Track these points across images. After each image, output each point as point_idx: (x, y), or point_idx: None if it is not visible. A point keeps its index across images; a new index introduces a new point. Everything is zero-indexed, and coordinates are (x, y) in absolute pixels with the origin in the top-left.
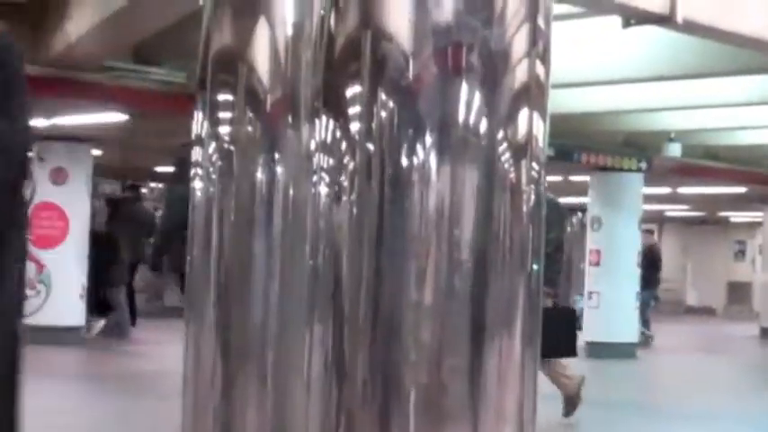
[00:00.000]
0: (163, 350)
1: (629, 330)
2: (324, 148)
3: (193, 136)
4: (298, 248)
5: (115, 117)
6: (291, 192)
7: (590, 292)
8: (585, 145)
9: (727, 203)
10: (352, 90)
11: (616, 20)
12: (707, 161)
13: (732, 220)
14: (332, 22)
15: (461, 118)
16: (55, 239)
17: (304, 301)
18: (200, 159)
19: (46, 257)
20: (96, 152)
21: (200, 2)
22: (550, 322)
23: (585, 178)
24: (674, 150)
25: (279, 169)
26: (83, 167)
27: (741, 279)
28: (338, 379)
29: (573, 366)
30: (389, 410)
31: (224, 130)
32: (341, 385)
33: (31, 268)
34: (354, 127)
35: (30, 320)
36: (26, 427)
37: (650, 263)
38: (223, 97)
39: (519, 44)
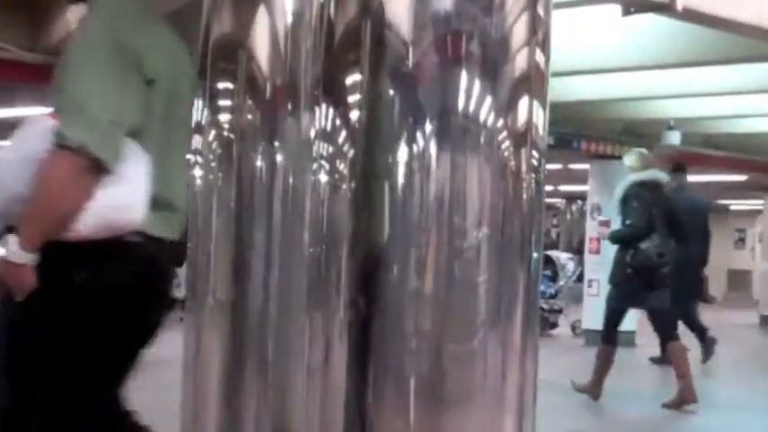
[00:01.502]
0: (162, 338)
1: (628, 318)
2: (323, 135)
3: (193, 124)
4: (297, 236)
5: None
6: (291, 180)
7: (590, 280)
8: (585, 133)
9: (726, 191)
10: (352, 78)
11: (616, 8)
12: (707, 149)
13: (732, 208)
14: (331, 9)
15: (461, 106)
16: None
17: (304, 289)
18: (199, 147)
19: None
20: None
21: None
22: None
23: (585, 166)
24: (674, 138)
25: (279, 157)
26: None
27: (741, 267)
28: (338, 369)
29: (570, 353)
30: (390, 399)
31: (224, 117)
32: (341, 375)
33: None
34: (354, 115)
35: None
36: None
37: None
38: (223, 85)
39: (519, 32)
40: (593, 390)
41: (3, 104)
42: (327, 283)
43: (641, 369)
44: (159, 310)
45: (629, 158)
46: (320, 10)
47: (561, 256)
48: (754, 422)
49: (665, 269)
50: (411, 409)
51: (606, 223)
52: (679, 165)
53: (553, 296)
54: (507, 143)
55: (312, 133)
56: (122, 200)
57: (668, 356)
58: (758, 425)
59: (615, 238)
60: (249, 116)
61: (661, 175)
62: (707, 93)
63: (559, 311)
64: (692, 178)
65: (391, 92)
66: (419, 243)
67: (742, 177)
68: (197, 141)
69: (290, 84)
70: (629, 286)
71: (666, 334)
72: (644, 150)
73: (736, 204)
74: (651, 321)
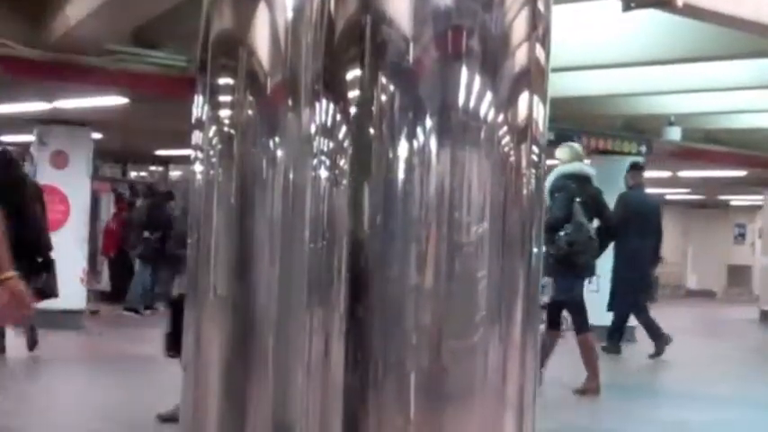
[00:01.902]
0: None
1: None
2: (324, 131)
3: (193, 119)
4: (298, 232)
5: (115, 100)
6: (292, 175)
7: None
8: (585, 129)
9: (727, 187)
10: (353, 74)
11: (616, 3)
12: (707, 145)
13: (732, 203)
14: (332, 5)
15: (461, 102)
16: (56, 223)
17: (304, 285)
18: (200, 143)
19: None
20: (97, 135)
21: None
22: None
23: (585, 162)
24: (674, 134)
25: (279, 153)
26: (83, 151)
27: (741, 262)
28: (338, 363)
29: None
30: (390, 394)
31: (224, 113)
32: (341, 370)
33: None
34: (354, 110)
35: None
36: (25, 410)
37: None
38: (223, 81)
39: (519, 28)
40: (591, 384)
41: (4, 100)
42: (327, 279)
43: (641, 364)
44: None
45: (560, 151)
46: (320, 5)
47: None
48: (756, 417)
49: (578, 258)
50: (411, 405)
51: None
52: (637, 164)
53: None
54: (507, 139)
55: (312, 129)
56: None
57: (659, 350)
58: (759, 420)
59: None
60: (249, 112)
61: (587, 168)
62: (707, 88)
63: (543, 308)
64: (692, 174)
65: (391, 87)
66: (419, 238)
67: (742, 173)
68: (197, 137)
69: (291, 79)
70: (552, 277)
71: (583, 323)
72: (575, 144)
73: (737, 200)
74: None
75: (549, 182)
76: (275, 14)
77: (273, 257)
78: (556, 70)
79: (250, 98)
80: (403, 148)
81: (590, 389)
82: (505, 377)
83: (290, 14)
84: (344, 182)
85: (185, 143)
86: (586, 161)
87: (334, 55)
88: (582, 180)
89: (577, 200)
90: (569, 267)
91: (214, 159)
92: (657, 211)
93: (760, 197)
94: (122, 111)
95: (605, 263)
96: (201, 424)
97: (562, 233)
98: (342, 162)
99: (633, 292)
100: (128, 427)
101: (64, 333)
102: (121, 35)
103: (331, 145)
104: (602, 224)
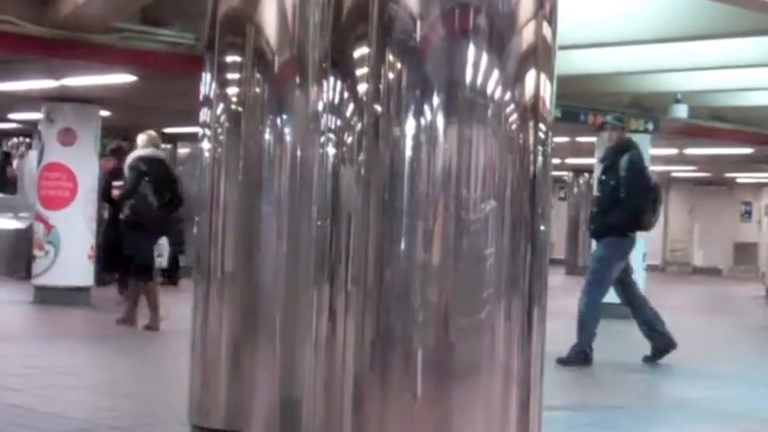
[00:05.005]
0: (171, 310)
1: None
2: (331, 108)
3: (201, 97)
4: (305, 209)
5: (123, 78)
6: (299, 152)
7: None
8: (592, 106)
9: (733, 164)
10: (360, 51)
11: None
12: (713, 122)
13: (739, 181)
14: None
15: (468, 79)
16: (63, 200)
17: (311, 261)
18: (208, 120)
19: (54, 218)
20: (104, 113)
21: None
22: None
23: (592, 139)
24: (681, 111)
25: (286, 130)
26: (91, 128)
27: (747, 240)
28: (345, 340)
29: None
30: (397, 371)
31: (232, 91)
32: (348, 346)
33: (39, 229)
34: (362, 88)
35: (38, 281)
36: (34, 386)
37: None
38: (231, 58)
39: (526, 6)
40: (154, 322)
41: (12, 77)
42: (335, 256)
43: (645, 341)
44: None
45: (140, 138)
46: None
47: None
48: (760, 394)
49: (143, 222)
50: (418, 381)
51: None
52: None
53: None
54: (514, 116)
55: (320, 106)
56: None
57: None
58: (763, 397)
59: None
60: (257, 89)
61: (159, 152)
62: (714, 66)
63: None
64: (698, 151)
65: (399, 65)
66: (426, 216)
67: (748, 150)
68: (205, 114)
69: (298, 57)
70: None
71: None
72: (152, 132)
73: (743, 177)
74: None
75: (127, 161)
76: None
77: (281, 235)
78: (563, 48)
79: (257, 76)
80: (410, 126)
81: (152, 326)
82: (512, 353)
83: None
84: (352, 159)
85: (193, 121)
86: (162, 146)
87: (341, 32)
88: (152, 161)
89: (146, 178)
90: (135, 229)
91: (222, 137)
92: None
93: (766, 175)
94: (130, 88)
95: None
96: (209, 399)
97: (131, 202)
98: (349, 139)
99: None
100: (135, 405)
101: (72, 310)
102: (129, 13)
103: (338, 122)
104: (170, 197)
